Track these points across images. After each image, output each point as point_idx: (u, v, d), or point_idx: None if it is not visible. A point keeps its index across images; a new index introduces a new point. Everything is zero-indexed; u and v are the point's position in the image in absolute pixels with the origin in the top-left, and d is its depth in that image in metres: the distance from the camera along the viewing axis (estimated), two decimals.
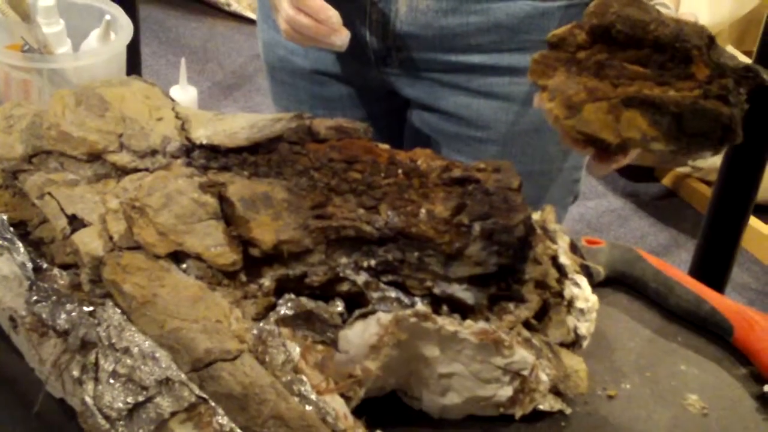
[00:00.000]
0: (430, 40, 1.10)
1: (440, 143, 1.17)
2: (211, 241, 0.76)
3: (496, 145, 1.13)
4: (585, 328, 0.83)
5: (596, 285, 0.94)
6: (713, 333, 0.91)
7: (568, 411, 0.80)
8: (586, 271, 0.91)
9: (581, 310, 0.83)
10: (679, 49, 0.75)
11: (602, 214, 2.74)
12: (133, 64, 2.03)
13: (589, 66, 0.78)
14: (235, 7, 3.47)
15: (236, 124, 0.83)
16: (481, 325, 0.75)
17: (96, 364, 0.71)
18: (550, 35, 0.80)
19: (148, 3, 3.39)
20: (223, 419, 0.67)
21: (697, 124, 0.73)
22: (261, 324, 0.74)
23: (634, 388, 0.85)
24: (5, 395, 0.80)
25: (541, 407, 0.79)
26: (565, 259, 0.85)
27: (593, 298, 0.84)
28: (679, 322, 0.93)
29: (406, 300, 0.77)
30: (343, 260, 0.77)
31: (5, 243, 0.81)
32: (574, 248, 0.93)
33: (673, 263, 1.00)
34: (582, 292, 0.84)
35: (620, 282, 0.96)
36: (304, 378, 0.71)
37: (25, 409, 0.77)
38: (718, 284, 1.91)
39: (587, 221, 2.69)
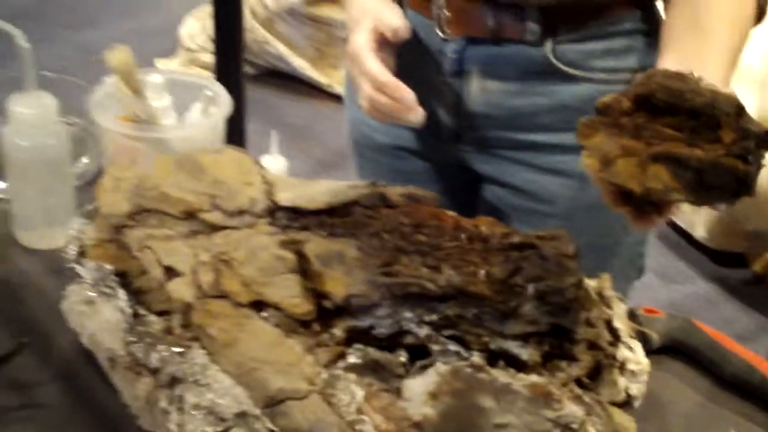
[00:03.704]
0: (500, 120, 1.16)
1: (510, 217, 1.22)
2: (288, 292, 0.83)
3: (561, 219, 1.17)
4: (636, 389, 0.87)
5: (653, 352, 0.98)
6: (764, 401, 0.94)
7: None
8: (642, 338, 0.96)
9: (633, 372, 0.87)
10: (711, 116, 0.81)
11: (690, 298, 2.73)
12: (239, 140, 2.15)
13: (628, 129, 0.85)
14: (338, 88, 3.59)
15: (316, 190, 0.91)
16: (533, 378, 0.81)
17: (181, 397, 0.79)
18: (598, 102, 0.87)
19: (256, 85, 3.52)
20: None
21: (716, 179, 0.80)
22: (331, 370, 0.81)
23: None
24: (103, 429, 0.88)
25: None
26: (619, 323, 0.89)
27: (645, 362, 0.88)
28: (731, 389, 0.96)
29: (464, 353, 0.82)
30: (408, 315, 0.82)
31: (109, 291, 0.90)
32: (632, 316, 0.98)
33: (759, 350, 1.03)
34: (634, 356, 0.88)
35: (676, 350, 1.01)
36: (366, 419, 0.78)
37: None
38: None
39: (676, 305, 2.69)
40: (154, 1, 4.27)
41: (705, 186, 0.80)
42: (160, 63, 3.57)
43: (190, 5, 3.75)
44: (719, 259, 2.85)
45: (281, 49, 3.60)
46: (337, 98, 3.61)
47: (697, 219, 2.78)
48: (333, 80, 3.60)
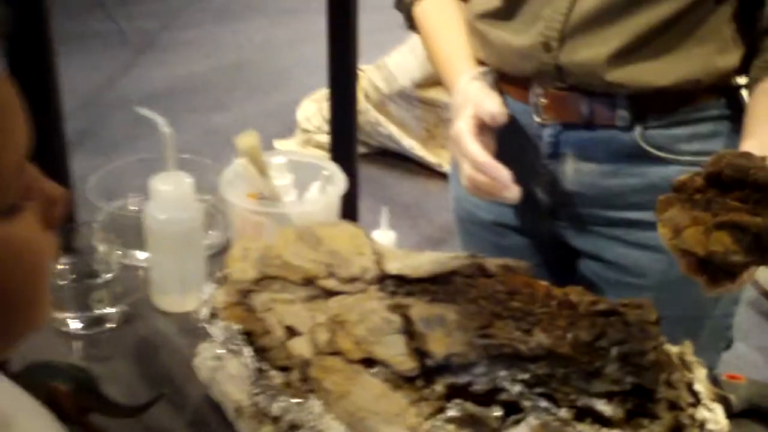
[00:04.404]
0: (594, 198, 1.24)
1: (604, 289, 1.28)
2: (395, 351, 0.92)
3: (651, 292, 1.21)
4: None
5: (734, 415, 1.04)
6: None
7: None
8: (723, 401, 1.02)
9: None
10: None
11: None
12: (352, 215, 2.25)
13: (699, 203, 0.93)
14: (446, 167, 3.69)
15: (421, 260, 1.02)
16: None
17: None
18: (675, 180, 0.96)
19: (368, 163, 3.65)
20: None
21: None
22: (432, 421, 0.90)
23: None
24: None
25: None
26: (699, 386, 0.95)
27: (724, 422, 0.94)
28: None
29: (553, 409, 0.90)
30: (502, 373, 0.90)
31: (236, 348, 1.00)
32: (713, 380, 1.05)
33: None
34: (714, 417, 0.94)
35: (757, 414, 1.06)
36: None
37: None
38: None
39: None
40: (273, 85, 4.48)
41: (763, 248, 0.89)
42: (279, 143, 3.73)
43: (306, 89, 3.93)
44: None
45: (392, 129, 3.73)
46: (444, 177, 3.70)
47: None
48: (441, 159, 3.71)
